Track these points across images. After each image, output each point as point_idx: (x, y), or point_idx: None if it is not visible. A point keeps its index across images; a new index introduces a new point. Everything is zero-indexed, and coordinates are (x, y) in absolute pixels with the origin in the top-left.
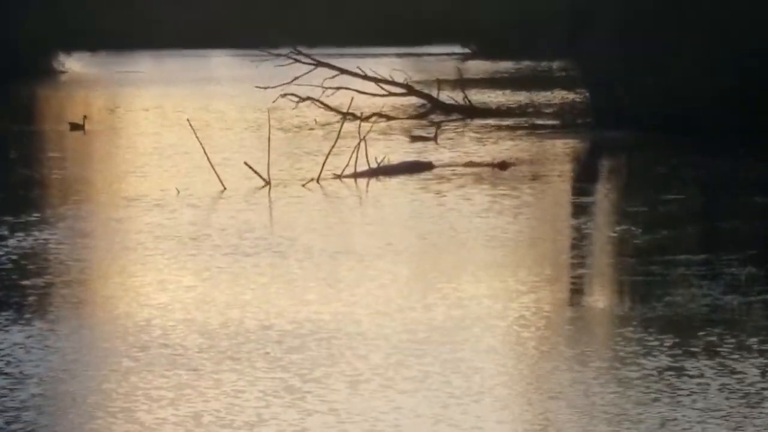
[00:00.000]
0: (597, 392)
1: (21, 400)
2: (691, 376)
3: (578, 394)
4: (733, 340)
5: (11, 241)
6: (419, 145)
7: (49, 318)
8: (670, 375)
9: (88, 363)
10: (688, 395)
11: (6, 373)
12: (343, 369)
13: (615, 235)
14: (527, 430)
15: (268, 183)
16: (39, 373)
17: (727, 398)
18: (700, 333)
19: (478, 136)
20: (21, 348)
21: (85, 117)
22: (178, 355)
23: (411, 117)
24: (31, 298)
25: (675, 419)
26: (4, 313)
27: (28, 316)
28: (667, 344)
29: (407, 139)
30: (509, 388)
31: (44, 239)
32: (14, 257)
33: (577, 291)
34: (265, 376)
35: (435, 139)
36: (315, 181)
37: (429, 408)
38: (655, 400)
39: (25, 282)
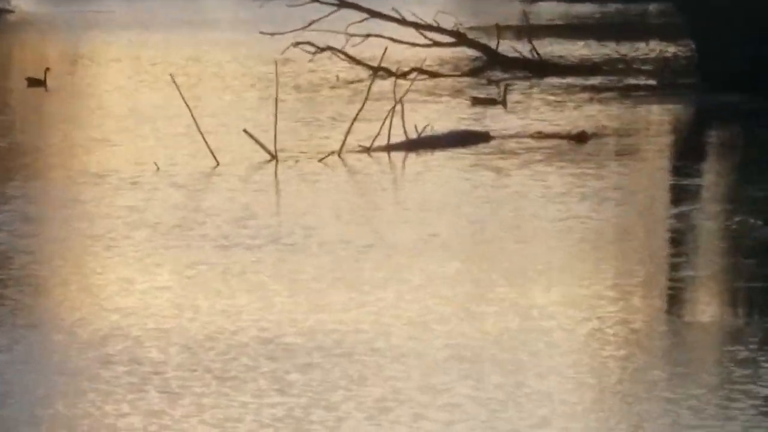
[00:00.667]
0: (693, 426)
1: None
2: None
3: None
4: None
5: None
6: (475, 110)
7: None
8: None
9: (30, 384)
10: None
11: None
12: (364, 394)
13: (728, 228)
14: None
15: (274, 157)
16: None
17: None
18: None
19: (550, 99)
20: None
21: (47, 70)
22: (150, 374)
23: (462, 74)
24: None
25: None
26: None
27: None
28: None
29: (465, 102)
30: (579, 421)
31: None
32: None
33: (677, 299)
34: (262, 401)
35: (503, 102)
36: (336, 155)
37: None
38: None
39: None
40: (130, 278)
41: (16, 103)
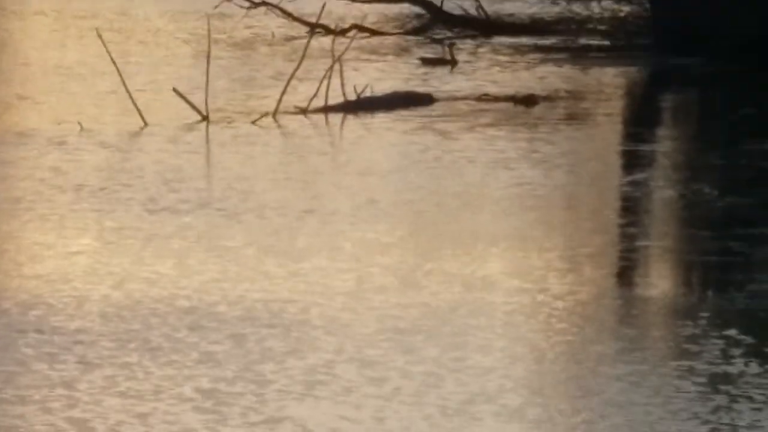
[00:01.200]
0: (638, 403)
1: None
2: None
3: (613, 408)
4: None
5: None
6: (419, 70)
7: None
8: (745, 384)
9: None
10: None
11: None
12: (292, 366)
13: (682, 198)
14: None
15: (205, 118)
16: None
17: None
18: None
19: (497, 59)
20: None
21: None
22: (67, 344)
23: (404, 32)
24: None
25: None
26: None
27: None
28: (747, 347)
29: (408, 63)
30: (520, 395)
31: None
32: None
33: (628, 272)
34: (183, 373)
35: (452, 62)
36: (271, 117)
37: (401, 423)
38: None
39: None
40: (47, 243)
41: None
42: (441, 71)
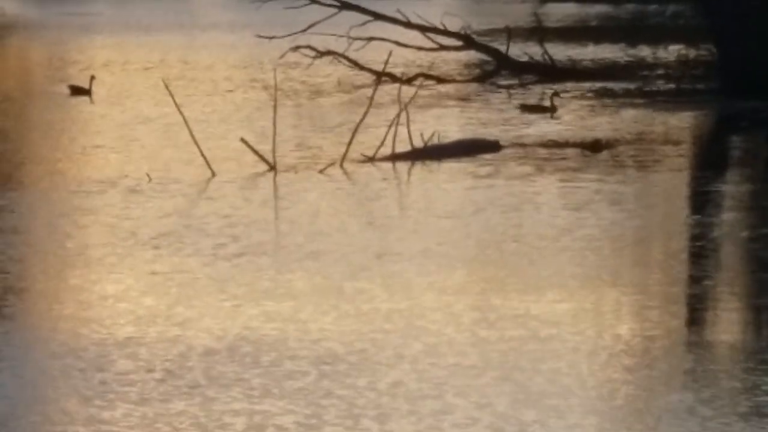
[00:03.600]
0: None
1: None
2: None
3: None
4: None
5: None
6: (486, 116)
7: None
8: None
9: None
10: None
11: None
12: (338, 401)
13: (752, 242)
14: None
15: (273, 167)
16: None
17: None
18: None
19: (562, 105)
20: None
21: (92, 78)
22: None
23: (470, 79)
24: None
25: None
26: None
27: None
28: None
29: (472, 109)
30: None
31: None
32: None
33: (696, 317)
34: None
35: (552, 109)
36: (338, 165)
37: None
38: None
39: None
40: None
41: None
42: (505, 115)
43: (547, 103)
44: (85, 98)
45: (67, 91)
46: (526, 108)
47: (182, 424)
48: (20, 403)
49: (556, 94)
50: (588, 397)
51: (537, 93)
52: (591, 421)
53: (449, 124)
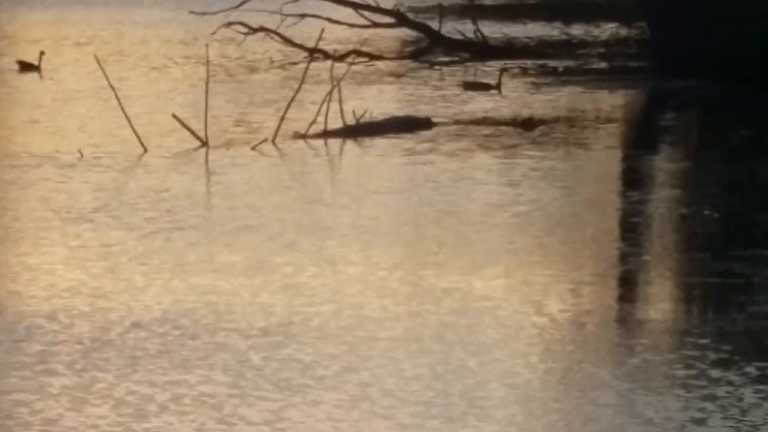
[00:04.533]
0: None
1: None
2: None
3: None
4: None
5: None
6: (415, 93)
7: None
8: (741, 406)
9: None
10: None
11: None
12: (264, 373)
13: (682, 220)
14: None
15: (205, 143)
16: None
17: None
18: None
19: (483, 83)
20: None
21: (42, 54)
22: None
23: (402, 57)
24: None
25: None
26: None
27: None
28: (747, 367)
29: (459, 87)
30: (519, 404)
31: None
32: None
33: (628, 293)
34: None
35: (498, 87)
36: (270, 142)
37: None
38: None
39: None
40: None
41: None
42: (438, 93)
43: (488, 80)
44: (35, 74)
45: (16, 66)
46: (469, 85)
47: (105, 396)
48: None
49: (504, 70)
50: (509, 369)
51: (471, 71)
52: (508, 392)
53: (383, 101)
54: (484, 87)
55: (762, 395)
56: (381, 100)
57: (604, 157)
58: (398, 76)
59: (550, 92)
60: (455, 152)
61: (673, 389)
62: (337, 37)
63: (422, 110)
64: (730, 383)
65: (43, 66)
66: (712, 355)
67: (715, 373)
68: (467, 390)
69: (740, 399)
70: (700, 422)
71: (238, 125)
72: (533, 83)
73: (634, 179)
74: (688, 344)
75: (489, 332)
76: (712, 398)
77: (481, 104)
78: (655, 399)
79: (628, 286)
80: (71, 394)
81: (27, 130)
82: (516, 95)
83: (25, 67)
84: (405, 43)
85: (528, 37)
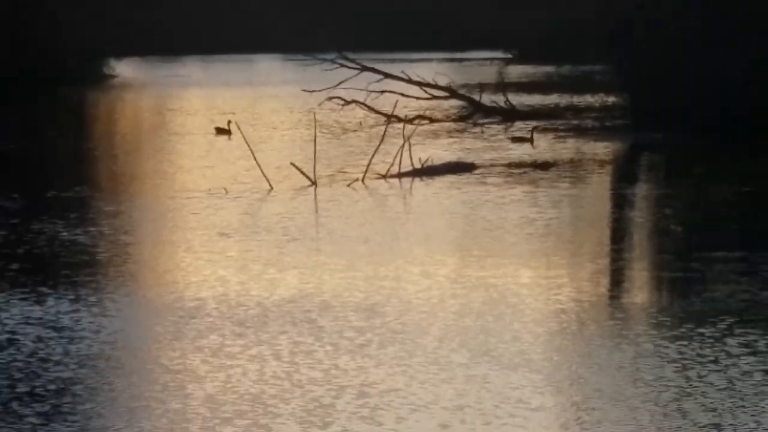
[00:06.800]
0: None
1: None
2: (727, 366)
3: (614, 369)
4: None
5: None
6: (465, 145)
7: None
8: (698, 361)
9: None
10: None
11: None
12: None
13: (654, 231)
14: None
15: (314, 183)
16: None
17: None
18: (738, 329)
19: (517, 137)
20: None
21: (230, 122)
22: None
23: (454, 119)
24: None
25: (690, 394)
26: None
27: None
28: (703, 334)
29: (509, 140)
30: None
31: (106, 229)
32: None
33: (617, 284)
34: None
35: (530, 140)
36: (360, 181)
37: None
38: (683, 378)
39: (78, 259)
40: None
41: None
42: (479, 144)
43: (526, 135)
44: (226, 136)
45: (213, 131)
46: (515, 139)
47: (259, 350)
48: (136, 339)
49: (535, 129)
50: (533, 330)
51: (504, 129)
52: (534, 342)
53: (440, 151)
54: (523, 140)
55: (715, 353)
56: (439, 150)
57: (599, 187)
58: (449, 132)
59: (559, 142)
60: (494, 185)
61: (647, 350)
62: (407, 106)
63: (468, 157)
64: (692, 348)
65: (232, 130)
66: (677, 329)
67: (681, 341)
68: (501, 335)
69: (700, 355)
70: (658, 375)
71: (338, 170)
72: (548, 136)
73: (620, 202)
74: (664, 322)
75: (519, 307)
76: (673, 359)
77: (512, 152)
78: (632, 349)
79: (617, 280)
80: (225, 351)
81: (198, 172)
82: (536, 146)
83: (221, 131)
84: (455, 109)
85: (542, 104)
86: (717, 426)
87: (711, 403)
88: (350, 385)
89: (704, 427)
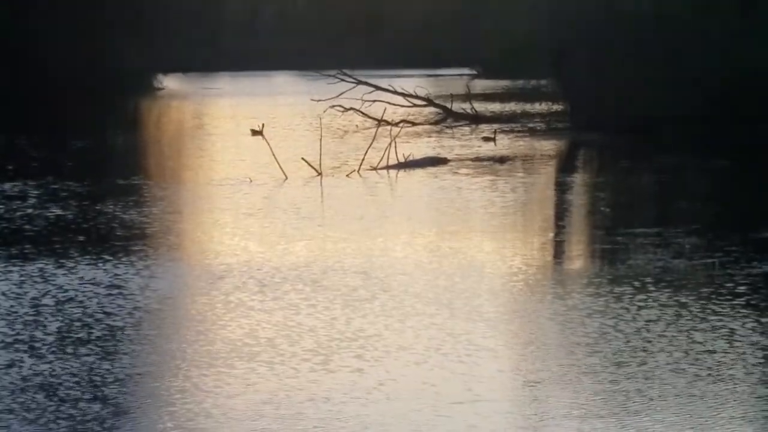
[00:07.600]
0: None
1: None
2: (648, 319)
3: (556, 318)
4: (678, 294)
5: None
6: (440, 143)
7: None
8: (616, 312)
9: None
10: (633, 323)
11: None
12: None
13: (589, 212)
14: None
15: (320, 173)
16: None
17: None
18: (651, 288)
19: (483, 137)
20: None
21: (263, 125)
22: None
23: (431, 123)
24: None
25: (614, 326)
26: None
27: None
28: (623, 293)
29: (476, 139)
30: (497, 308)
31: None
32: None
33: (560, 253)
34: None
35: (493, 139)
36: (356, 172)
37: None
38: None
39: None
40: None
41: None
42: (451, 143)
43: (490, 135)
44: (258, 137)
45: (248, 132)
46: (485, 139)
47: (277, 303)
48: (174, 296)
49: (497, 130)
50: (495, 290)
51: (471, 131)
52: (495, 301)
53: (420, 148)
54: (488, 139)
55: (629, 305)
56: (419, 147)
57: (546, 176)
58: (428, 133)
59: (515, 141)
60: (464, 174)
61: (577, 303)
62: (394, 113)
63: (443, 153)
64: (612, 302)
65: (264, 132)
66: (602, 288)
67: (611, 299)
68: (466, 293)
69: (618, 308)
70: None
71: (339, 163)
72: (504, 136)
73: (562, 188)
74: (593, 282)
75: (482, 271)
76: (596, 311)
77: (479, 149)
78: (566, 303)
79: (559, 250)
80: (249, 305)
81: (228, 165)
82: (495, 144)
83: (255, 133)
84: (432, 115)
85: (502, 111)
86: (621, 364)
87: (624, 343)
88: (345, 331)
89: (616, 363)
